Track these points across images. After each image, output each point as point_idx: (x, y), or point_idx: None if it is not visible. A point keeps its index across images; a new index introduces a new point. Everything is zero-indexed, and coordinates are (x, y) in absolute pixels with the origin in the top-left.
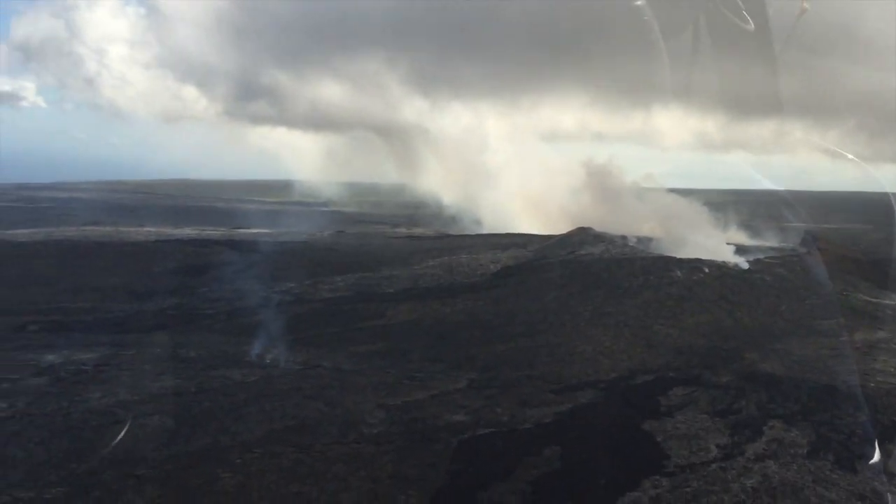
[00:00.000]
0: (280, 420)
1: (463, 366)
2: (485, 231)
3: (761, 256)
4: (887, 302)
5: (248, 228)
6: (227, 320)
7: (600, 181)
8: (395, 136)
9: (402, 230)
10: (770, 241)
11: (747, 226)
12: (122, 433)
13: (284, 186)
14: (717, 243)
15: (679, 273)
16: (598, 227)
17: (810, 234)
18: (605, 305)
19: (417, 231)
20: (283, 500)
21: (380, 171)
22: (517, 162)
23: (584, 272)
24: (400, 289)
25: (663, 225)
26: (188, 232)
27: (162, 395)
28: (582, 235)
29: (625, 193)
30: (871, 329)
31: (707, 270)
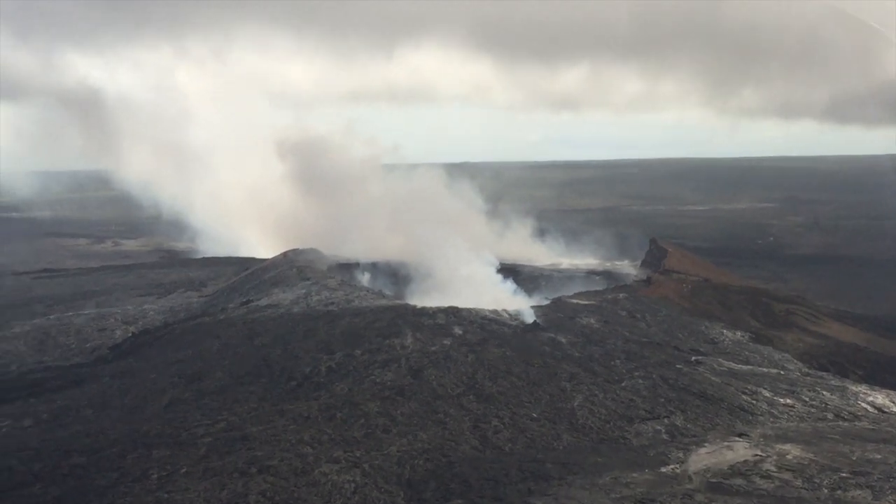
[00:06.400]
0: None
1: None
2: (202, 249)
3: (567, 295)
4: (764, 370)
5: None
6: None
7: (304, 166)
8: (76, 106)
9: (107, 246)
10: (591, 256)
11: (564, 226)
12: None
13: None
14: (495, 272)
15: (409, 340)
16: (325, 242)
17: (655, 243)
18: (248, 419)
19: (126, 247)
20: None
21: (81, 156)
22: (230, 138)
23: (245, 346)
24: None
25: (411, 235)
26: None
27: None
28: (285, 266)
29: (349, 183)
30: (728, 437)
31: (459, 332)
